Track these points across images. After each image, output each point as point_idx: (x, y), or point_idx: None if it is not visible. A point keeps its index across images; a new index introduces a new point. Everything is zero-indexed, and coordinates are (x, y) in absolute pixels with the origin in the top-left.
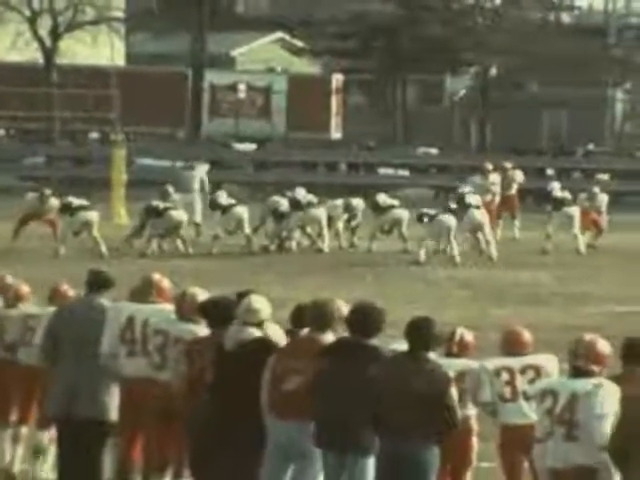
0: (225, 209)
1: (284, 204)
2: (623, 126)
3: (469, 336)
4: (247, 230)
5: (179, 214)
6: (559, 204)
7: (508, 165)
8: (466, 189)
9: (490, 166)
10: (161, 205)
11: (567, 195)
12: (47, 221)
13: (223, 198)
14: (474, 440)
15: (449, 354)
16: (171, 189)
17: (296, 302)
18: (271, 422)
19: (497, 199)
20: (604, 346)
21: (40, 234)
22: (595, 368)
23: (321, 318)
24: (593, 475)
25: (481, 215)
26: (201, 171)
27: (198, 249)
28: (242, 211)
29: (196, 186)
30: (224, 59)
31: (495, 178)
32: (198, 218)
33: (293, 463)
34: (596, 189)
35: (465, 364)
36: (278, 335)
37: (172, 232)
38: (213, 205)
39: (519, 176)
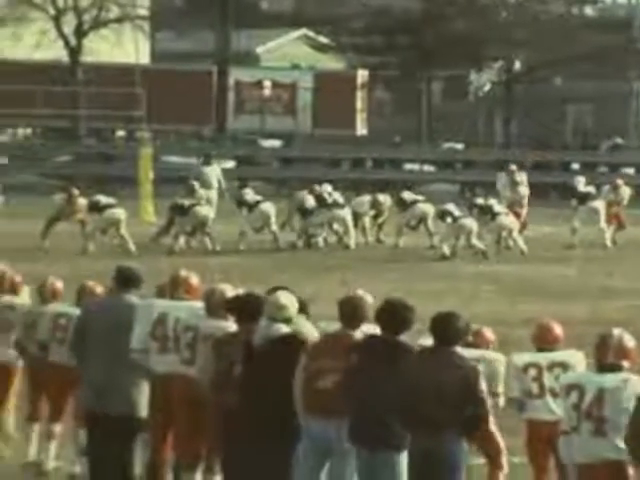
0: (251, 206)
1: (310, 200)
2: None
3: (488, 332)
4: (274, 227)
5: (205, 210)
6: (584, 198)
7: (519, 179)
8: (493, 200)
9: (514, 167)
10: (187, 202)
11: (591, 189)
12: (76, 220)
13: (249, 195)
14: (493, 429)
15: (466, 344)
16: (197, 185)
17: (324, 298)
18: (306, 421)
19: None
20: (630, 341)
21: (69, 232)
22: (622, 363)
23: (353, 315)
24: (623, 470)
25: (509, 221)
26: (217, 168)
27: (225, 246)
28: (269, 208)
29: (215, 182)
30: (249, 56)
31: (522, 177)
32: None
33: (329, 461)
34: (620, 181)
35: (481, 354)
36: (311, 331)
37: (198, 229)
38: (240, 202)
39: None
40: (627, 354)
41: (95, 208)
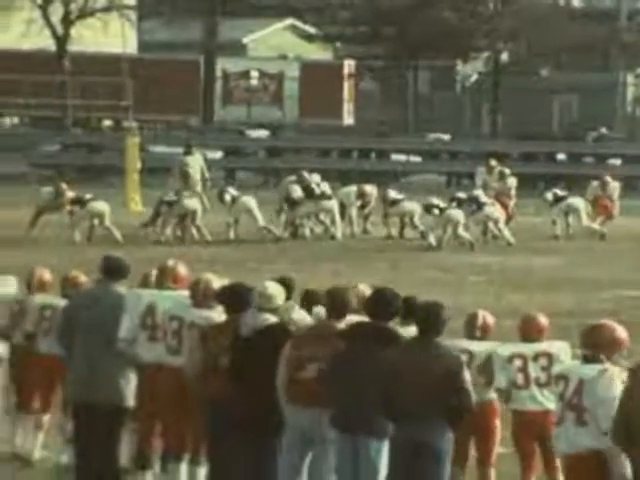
0: (233, 200)
1: (297, 191)
2: (634, 111)
3: (490, 318)
4: (260, 222)
5: (192, 202)
6: (560, 199)
7: (507, 171)
8: (479, 191)
9: (494, 162)
10: (174, 197)
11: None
12: (65, 212)
13: (229, 194)
14: (497, 422)
15: (471, 337)
16: (191, 170)
17: (311, 289)
18: (289, 410)
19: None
20: (617, 332)
21: (57, 222)
22: (605, 354)
23: (337, 305)
24: (604, 459)
25: (495, 211)
26: (200, 157)
27: (213, 236)
28: (248, 201)
29: (197, 174)
30: (236, 46)
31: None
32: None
33: (312, 450)
34: (608, 178)
35: (491, 347)
36: (303, 319)
37: (187, 220)
38: (221, 198)
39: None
40: (613, 345)
41: (78, 202)
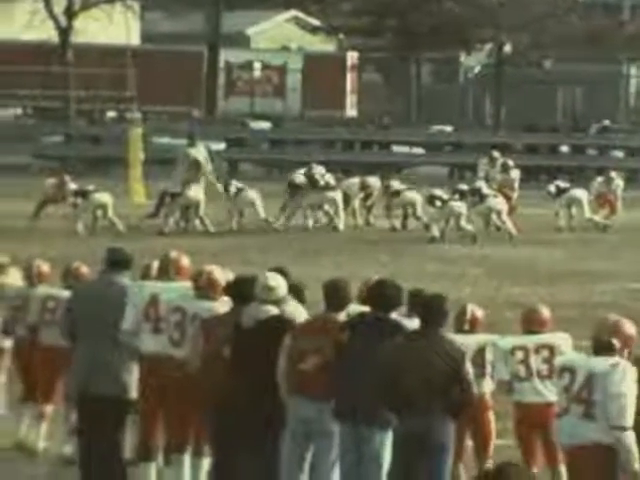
0: (237, 192)
1: (300, 177)
2: (637, 103)
3: (479, 312)
4: (262, 215)
5: (195, 193)
6: (562, 191)
7: (510, 162)
8: (481, 183)
9: (496, 154)
10: (177, 188)
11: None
12: (68, 204)
13: (234, 186)
14: (491, 415)
15: (460, 331)
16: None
17: (315, 280)
18: (291, 401)
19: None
20: (628, 327)
21: (61, 214)
22: (617, 348)
23: (336, 297)
24: (611, 454)
25: (498, 202)
26: (202, 149)
27: (215, 227)
28: (252, 194)
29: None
30: (239, 38)
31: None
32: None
33: (313, 442)
34: (613, 174)
35: (485, 339)
36: (298, 312)
37: (191, 211)
38: (226, 186)
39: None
40: (624, 340)
41: (81, 194)
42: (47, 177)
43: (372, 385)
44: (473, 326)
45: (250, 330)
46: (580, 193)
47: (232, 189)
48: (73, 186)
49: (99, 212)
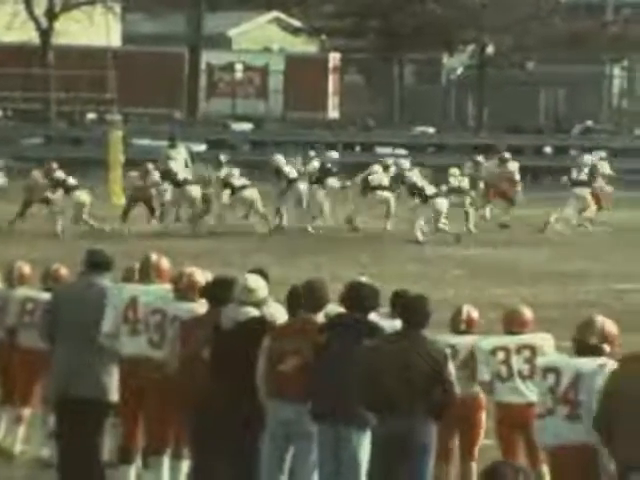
0: (235, 190)
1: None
2: (620, 103)
3: (475, 313)
4: (261, 210)
5: (195, 190)
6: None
7: (507, 155)
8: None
9: (480, 158)
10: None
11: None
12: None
13: (236, 178)
14: (483, 416)
15: (456, 332)
16: (173, 164)
17: (295, 282)
18: (270, 403)
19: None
20: (612, 326)
21: (42, 215)
22: (603, 348)
23: (313, 299)
24: (594, 454)
25: (444, 204)
26: (184, 150)
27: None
28: (252, 194)
29: (181, 166)
30: (220, 39)
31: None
32: (169, 197)
33: (293, 444)
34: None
35: (474, 341)
36: (279, 314)
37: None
38: (225, 183)
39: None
40: (609, 340)
41: (62, 185)
42: (26, 178)
43: (352, 386)
44: (469, 327)
45: (229, 332)
46: (579, 191)
47: (235, 182)
48: (59, 174)
49: (77, 210)
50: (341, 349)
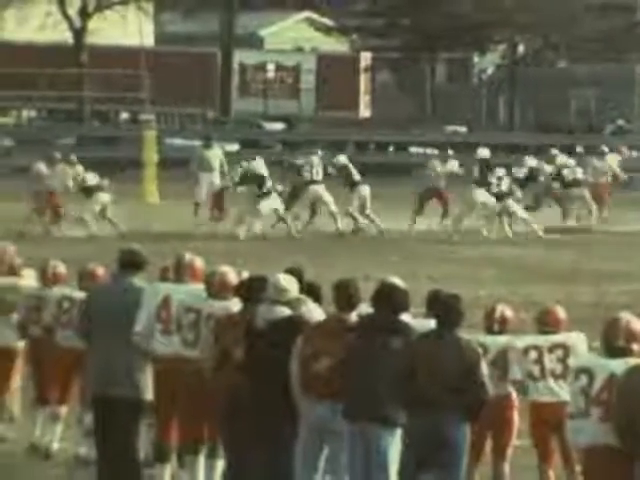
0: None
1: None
2: None
3: (508, 312)
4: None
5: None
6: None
7: (555, 151)
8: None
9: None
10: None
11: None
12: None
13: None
14: (516, 416)
15: (490, 331)
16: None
17: (328, 282)
18: (304, 403)
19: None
20: (638, 323)
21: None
22: (633, 347)
23: (346, 298)
24: (628, 456)
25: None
26: (218, 151)
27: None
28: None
29: (217, 165)
30: (253, 39)
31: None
32: (203, 197)
33: (327, 442)
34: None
35: (509, 341)
36: (316, 313)
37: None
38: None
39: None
40: (636, 337)
41: (83, 188)
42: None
43: (381, 386)
44: (503, 326)
45: (262, 330)
46: (577, 191)
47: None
48: (79, 168)
49: (100, 210)
50: (371, 349)
